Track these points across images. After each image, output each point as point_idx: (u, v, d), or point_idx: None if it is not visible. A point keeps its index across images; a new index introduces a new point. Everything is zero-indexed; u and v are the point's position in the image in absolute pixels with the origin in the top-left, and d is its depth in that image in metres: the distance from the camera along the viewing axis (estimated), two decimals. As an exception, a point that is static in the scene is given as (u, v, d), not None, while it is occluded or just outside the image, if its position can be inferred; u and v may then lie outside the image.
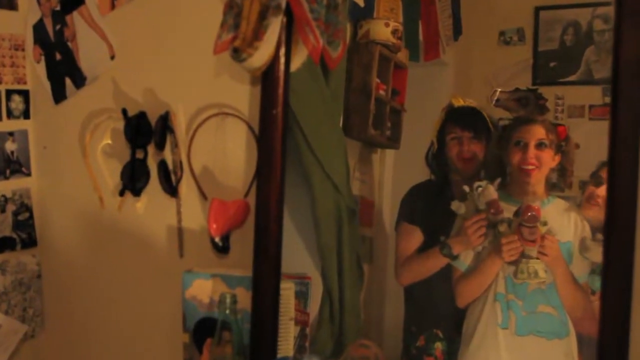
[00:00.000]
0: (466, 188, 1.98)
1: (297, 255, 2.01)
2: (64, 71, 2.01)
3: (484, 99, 2.29)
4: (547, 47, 2.45)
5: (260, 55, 1.54)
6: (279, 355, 1.70)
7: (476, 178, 2.01)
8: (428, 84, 2.52)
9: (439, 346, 2.11)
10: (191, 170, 1.84)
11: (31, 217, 2.06)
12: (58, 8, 2.00)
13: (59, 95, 2.03)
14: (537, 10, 2.49)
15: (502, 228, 1.93)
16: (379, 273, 2.39)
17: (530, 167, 1.99)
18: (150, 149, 1.88)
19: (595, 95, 2.37)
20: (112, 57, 1.95)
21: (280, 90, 1.62)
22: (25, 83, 2.05)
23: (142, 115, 1.88)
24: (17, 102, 2.04)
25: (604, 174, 2.00)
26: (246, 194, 1.79)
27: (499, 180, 1.97)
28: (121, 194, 1.91)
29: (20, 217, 2.05)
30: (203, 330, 1.70)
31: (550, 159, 2.01)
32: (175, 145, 1.85)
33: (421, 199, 2.20)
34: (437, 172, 2.20)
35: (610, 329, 1.40)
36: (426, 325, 2.13)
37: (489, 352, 1.97)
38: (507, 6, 2.52)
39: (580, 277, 1.96)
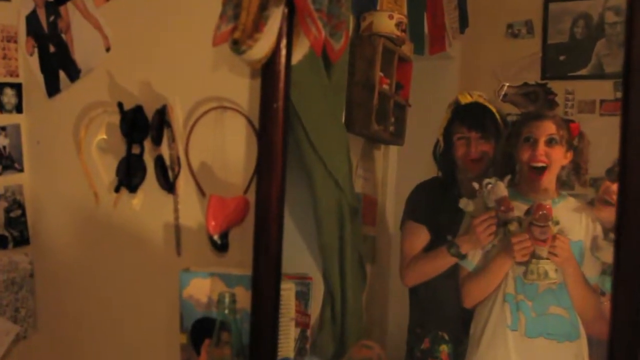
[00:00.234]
0: (475, 185, 1.98)
1: (298, 254, 2.03)
2: (58, 64, 2.01)
3: (491, 94, 2.29)
4: (557, 40, 2.46)
5: (261, 47, 1.53)
6: (279, 358, 1.70)
7: (485, 176, 2.01)
8: (433, 78, 2.54)
9: (444, 349, 2.11)
10: (189, 165, 1.84)
11: (24, 214, 2.06)
12: (52, -1, 2.00)
13: (52, 88, 2.03)
14: (547, 2, 2.49)
15: (513, 227, 1.93)
16: (382, 273, 2.40)
17: (539, 164, 1.98)
18: (147, 144, 1.88)
19: (606, 89, 2.39)
20: (108, 49, 1.95)
21: (281, 84, 1.61)
22: (17, 76, 2.05)
23: (138, 109, 1.88)
24: (9, 96, 2.04)
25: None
26: (246, 191, 1.79)
27: (509, 177, 1.96)
28: (117, 190, 1.91)
29: (13, 215, 2.04)
30: (201, 330, 1.70)
31: (561, 156, 2.00)
32: (172, 140, 1.85)
33: (428, 197, 2.20)
34: (444, 170, 2.20)
35: (621, 331, 1.40)
36: (431, 327, 2.14)
37: (497, 355, 1.98)
38: (516, -2, 2.53)
39: (591, 277, 1.96)
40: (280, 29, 1.57)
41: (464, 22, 2.61)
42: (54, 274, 2.06)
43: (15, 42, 2.05)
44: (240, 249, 1.79)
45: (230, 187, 1.81)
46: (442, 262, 2.05)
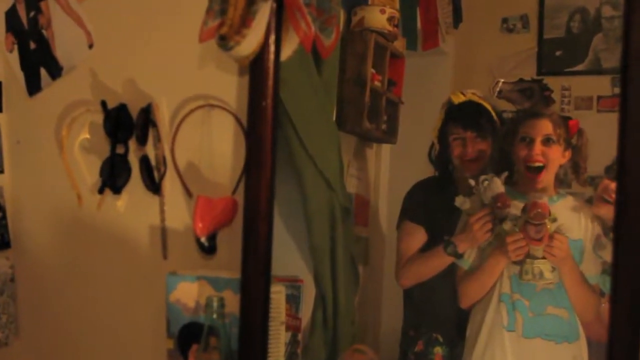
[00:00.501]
0: (472, 182, 1.99)
1: (288, 257, 2.03)
2: (39, 61, 2.01)
3: (486, 90, 2.29)
4: (553, 35, 2.46)
5: (249, 43, 1.53)
6: (269, 363, 1.70)
7: (483, 174, 2.02)
8: (426, 75, 2.53)
9: (438, 351, 2.12)
10: (175, 166, 1.84)
11: (4, 217, 2.05)
12: (32, -6, 1.99)
13: (33, 86, 2.02)
14: (542, -5, 2.49)
15: (507, 226, 1.94)
16: (374, 275, 2.40)
17: (536, 164, 1.99)
18: (132, 143, 1.88)
19: (603, 85, 2.39)
20: (90, 46, 1.95)
21: (270, 81, 1.61)
22: (-3, 74, 2.04)
23: (122, 108, 1.87)
24: (-12, 94, 2.02)
25: None
26: (234, 191, 1.79)
27: (506, 173, 1.97)
28: (100, 191, 1.91)
29: (-8, 217, 2.04)
30: (188, 336, 1.70)
31: (559, 156, 2.01)
32: (158, 139, 1.85)
33: (425, 197, 2.21)
34: (441, 172, 2.21)
35: (621, 333, 1.40)
36: (425, 329, 2.14)
37: (494, 356, 1.99)
38: (511, -8, 2.53)
39: (591, 277, 1.97)
40: (269, 24, 1.57)
41: (457, 16, 2.61)
42: (36, 278, 2.05)
43: (-5, 38, 2.04)
44: (229, 251, 1.79)
45: (218, 188, 1.80)
46: (438, 261, 2.06)
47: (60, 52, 1.97)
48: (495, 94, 2.34)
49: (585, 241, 1.98)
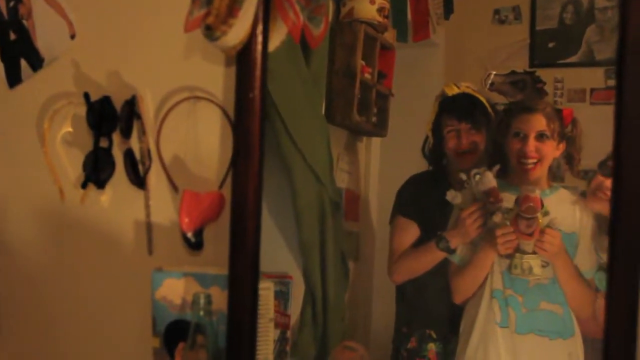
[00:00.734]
0: (463, 176, 1.99)
1: (276, 252, 2.03)
2: (19, 52, 1.99)
3: (477, 83, 2.29)
4: (545, 26, 2.46)
5: (235, 33, 1.53)
6: (257, 361, 1.69)
7: (476, 167, 2.02)
8: (417, 67, 2.53)
9: (432, 347, 2.13)
10: (160, 159, 1.83)
11: (-16, 212, 2.04)
12: (12, -17, 1.99)
13: (13, 78, 2.00)
14: (535, -14, 2.49)
15: (497, 218, 1.94)
16: (365, 271, 2.40)
17: (530, 160, 2.00)
18: (116, 137, 1.87)
19: (597, 77, 2.39)
20: (73, 37, 1.93)
21: (258, 72, 1.61)
22: (-25, 65, 2.03)
23: (106, 100, 1.86)
24: (-33, 87, 2.01)
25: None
26: (221, 185, 1.78)
27: (497, 167, 1.97)
28: (84, 186, 1.90)
29: (-28, 213, 2.02)
30: (175, 333, 1.69)
31: (552, 150, 2.02)
32: (142, 132, 1.84)
33: (419, 192, 2.21)
34: (435, 166, 2.21)
35: (617, 330, 1.40)
36: (418, 325, 2.15)
37: (487, 353, 1.99)
38: (503, -18, 2.53)
39: (586, 271, 1.97)
40: (256, 13, 1.57)
41: (448, 7, 2.60)
42: (17, 276, 2.04)
43: (-27, 29, 2.03)
44: (216, 247, 1.79)
45: (205, 182, 1.80)
46: (431, 257, 2.06)
47: (42, 42, 1.96)
48: (487, 86, 2.34)
49: (579, 235, 1.99)
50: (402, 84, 2.44)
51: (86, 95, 1.87)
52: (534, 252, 1.92)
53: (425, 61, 2.55)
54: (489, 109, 2.16)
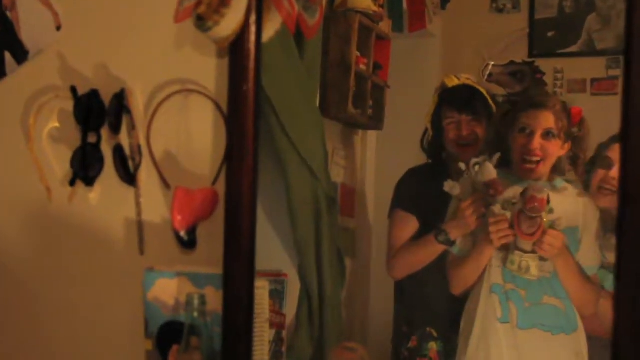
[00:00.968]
0: (462, 166, 1.99)
1: (270, 250, 2.05)
2: (3, 45, 1.97)
3: (475, 74, 2.30)
4: (545, 15, 2.47)
5: (228, 24, 1.52)
6: (253, 362, 1.68)
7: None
8: (413, 57, 2.56)
9: (433, 346, 2.14)
10: (151, 155, 1.82)
11: (-32, 212, 2.02)
12: (-6, -27, 1.98)
13: (-3, 72, 2.00)
14: (533, -27, 2.50)
15: (497, 209, 1.93)
16: (362, 268, 2.41)
17: (534, 158, 1.99)
18: (104, 132, 1.86)
19: (598, 67, 2.41)
20: (58, 28, 1.92)
21: (252, 63, 1.60)
22: (-43, 59, 2.03)
23: (93, 94, 1.85)
24: (-52, 81, 2.00)
25: (611, 154, 2.01)
26: (214, 182, 1.78)
27: (498, 155, 1.96)
28: (72, 183, 1.89)
29: (-44, 213, 2.01)
30: (168, 335, 1.68)
31: (558, 149, 2.02)
32: (132, 127, 1.83)
33: (418, 185, 2.22)
34: (433, 158, 2.21)
35: (626, 330, 1.38)
36: (419, 323, 2.15)
37: (489, 350, 1.99)
38: (500, -30, 2.54)
39: (589, 267, 1.97)
40: (249, 3, 1.54)
41: (445, -3, 2.62)
42: (2, 277, 2.02)
43: (-46, 21, 2.01)
44: (209, 245, 1.78)
45: (197, 178, 1.79)
46: (430, 250, 2.08)
47: (26, 35, 1.95)
48: (485, 77, 2.36)
49: (582, 229, 1.99)
50: (398, 75, 2.46)
51: (73, 89, 1.86)
52: (533, 252, 1.92)
53: (421, 52, 2.57)
54: (490, 101, 2.17)
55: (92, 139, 1.86)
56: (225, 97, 1.65)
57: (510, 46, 2.48)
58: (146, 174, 1.84)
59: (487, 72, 2.36)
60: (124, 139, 1.85)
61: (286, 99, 1.84)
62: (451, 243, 2.03)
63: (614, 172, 1.97)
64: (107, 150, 1.86)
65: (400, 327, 2.19)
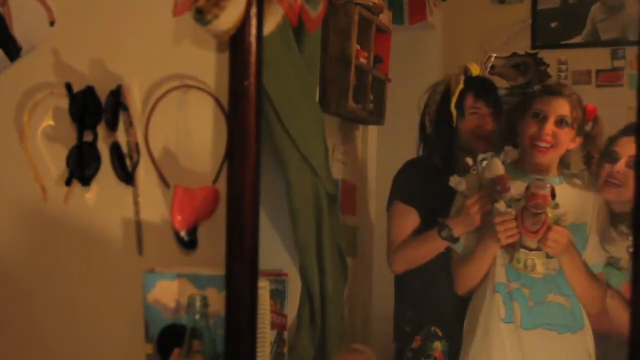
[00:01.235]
0: (469, 161, 1.99)
1: (271, 249, 2.02)
2: (-5, 41, 1.98)
3: (478, 66, 2.29)
4: (548, 6, 2.47)
5: (228, 17, 1.51)
6: (256, 365, 1.68)
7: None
8: (414, 50, 2.55)
9: (438, 346, 2.14)
10: (150, 153, 1.82)
11: (-40, 213, 2.01)
12: (-15, -33, 1.97)
13: (-11, 69, 2.00)
14: (536, -37, 2.50)
15: (502, 207, 1.93)
16: (364, 268, 2.41)
17: (544, 144, 1.99)
18: (101, 130, 1.86)
19: (603, 58, 2.41)
20: (52, 24, 1.92)
21: (253, 58, 1.59)
22: (-52, 56, 2.02)
23: (89, 91, 1.85)
24: (-61, 79, 2.00)
25: (618, 148, 2.01)
26: (215, 180, 1.78)
27: (509, 149, 1.96)
28: (68, 183, 1.88)
29: (-52, 214, 2.01)
30: (169, 339, 1.68)
31: (569, 140, 2.03)
32: (130, 125, 1.83)
33: (418, 176, 2.21)
34: (438, 147, 2.19)
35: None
36: (423, 323, 2.15)
37: (492, 352, 1.99)
38: (502, -41, 2.54)
39: (595, 265, 1.97)
40: (250, -5, 1.54)
41: (446, -12, 2.62)
42: (-2, 279, 2.03)
43: (-56, 17, 2.01)
44: (211, 245, 1.78)
45: (198, 177, 1.79)
46: (433, 246, 2.08)
47: (19, 30, 1.94)
48: (488, 69, 2.36)
49: (590, 226, 1.99)
50: (399, 68, 2.45)
51: (68, 86, 1.85)
52: (539, 249, 1.92)
53: (422, 44, 2.57)
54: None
55: (88, 137, 1.86)
56: (225, 93, 1.65)
57: (512, 38, 2.48)
58: (145, 173, 1.84)
59: (490, 65, 2.36)
60: (121, 137, 1.84)
61: (286, 95, 1.83)
62: (455, 240, 2.03)
63: (620, 165, 1.98)
64: (104, 149, 1.86)
65: (403, 328, 2.19)
